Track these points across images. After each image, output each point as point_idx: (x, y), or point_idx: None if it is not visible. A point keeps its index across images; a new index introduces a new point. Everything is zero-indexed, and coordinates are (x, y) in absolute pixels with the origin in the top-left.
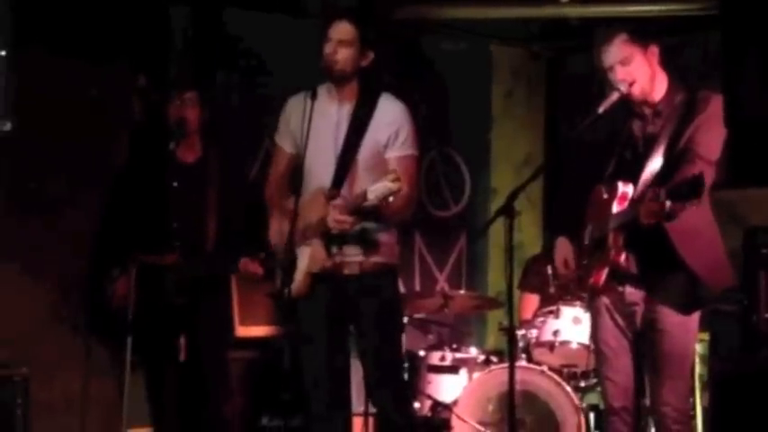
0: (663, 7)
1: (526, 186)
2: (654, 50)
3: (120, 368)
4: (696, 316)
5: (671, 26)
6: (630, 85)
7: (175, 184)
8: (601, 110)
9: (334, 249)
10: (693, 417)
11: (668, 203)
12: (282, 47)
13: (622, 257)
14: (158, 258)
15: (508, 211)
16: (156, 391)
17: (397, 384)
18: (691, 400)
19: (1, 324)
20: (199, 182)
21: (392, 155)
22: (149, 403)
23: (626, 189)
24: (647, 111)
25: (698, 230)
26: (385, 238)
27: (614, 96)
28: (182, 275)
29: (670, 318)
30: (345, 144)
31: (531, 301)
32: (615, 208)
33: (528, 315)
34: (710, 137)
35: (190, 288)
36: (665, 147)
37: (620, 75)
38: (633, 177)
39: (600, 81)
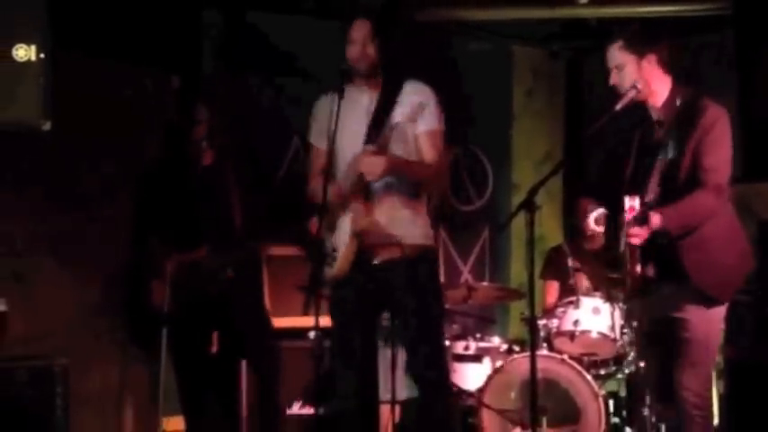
0: (678, 7)
1: (546, 182)
2: (651, 58)
3: (156, 359)
4: (720, 307)
5: (686, 26)
6: (630, 88)
7: (195, 187)
8: (618, 107)
9: (373, 201)
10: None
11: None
12: (310, 48)
13: (638, 268)
14: (190, 255)
15: (529, 205)
16: (189, 383)
17: (433, 347)
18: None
19: (41, 316)
20: (216, 185)
21: (420, 129)
22: (180, 394)
23: (632, 203)
24: (654, 116)
25: (707, 241)
26: (420, 219)
27: (631, 93)
28: (213, 266)
29: (693, 306)
30: (374, 117)
31: (553, 287)
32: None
33: (551, 299)
34: (717, 158)
35: (223, 279)
36: (668, 158)
37: (613, 79)
38: (642, 187)
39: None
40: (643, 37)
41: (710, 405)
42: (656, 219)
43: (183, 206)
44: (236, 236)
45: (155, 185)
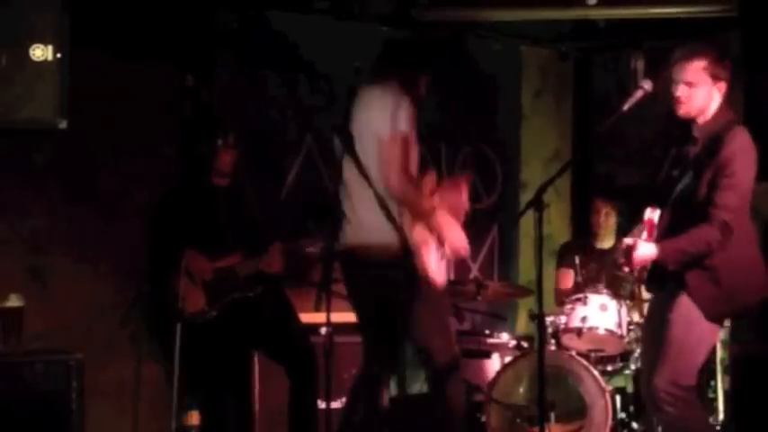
0: (685, 9)
1: (555, 180)
2: (722, 86)
3: (170, 354)
4: (700, 315)
5: (693, 28)
6: (680, 103)
7: (220, 204)
8: (625, 107)
9: None
10: (715, 399)
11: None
12: (326, 48)
13: (645, 276)
14: (226, 261)
15: (537, 203)
16: (208, 380)
17: None
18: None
19: (57, 312)
20: (238, 198)
21: None
22: (198, 391)
23: (652, 216)
24: (696, 133)
25: (712, 269)
26: None
27: (639, 94)
28: (247, 271)
29: (678, 308)
30: None
31: (568, 275)
32: (644, 234)
33: (568, 285)
34: (729, 196)
35: (256, 280)
36: (690, 179)
37: (679, 91)
38: (666, 199)
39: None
40: (723, 63)
41: (686, 402)
42: (655, 252)
43: (210, 222)
44: (264, 242)
45: (178, 207)
